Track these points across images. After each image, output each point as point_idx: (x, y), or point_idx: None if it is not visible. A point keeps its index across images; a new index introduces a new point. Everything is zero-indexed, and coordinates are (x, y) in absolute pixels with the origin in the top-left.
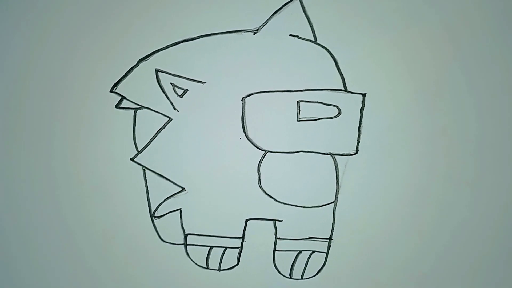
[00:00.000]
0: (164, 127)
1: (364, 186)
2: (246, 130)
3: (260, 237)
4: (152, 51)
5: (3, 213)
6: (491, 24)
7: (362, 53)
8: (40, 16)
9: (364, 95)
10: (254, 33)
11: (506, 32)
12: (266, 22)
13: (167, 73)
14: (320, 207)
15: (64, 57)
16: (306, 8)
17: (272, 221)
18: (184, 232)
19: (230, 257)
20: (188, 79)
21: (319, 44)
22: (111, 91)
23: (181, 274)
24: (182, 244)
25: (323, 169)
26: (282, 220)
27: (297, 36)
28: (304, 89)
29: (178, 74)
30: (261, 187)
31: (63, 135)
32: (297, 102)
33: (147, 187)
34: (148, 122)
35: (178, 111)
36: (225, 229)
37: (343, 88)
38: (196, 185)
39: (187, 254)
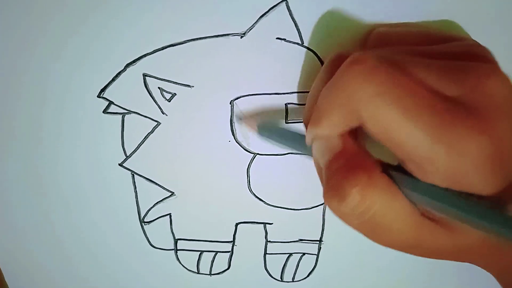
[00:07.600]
0: (152, 131)
1: None
2: (234, 133)
3: (250, 241)
4: (139, 56)
5: None
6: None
7: None
8: (24, 19)
9: None
10: (241, 37)
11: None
12: (253, 25)
13: (154, 77)
14: (310, 209)
15: (50, 62)
16: (293, 11)
17: (263, 224)
18: (174, 237)
19: (221, 261)
20: (176, 83)
21: (306, 47)
22: (98, 96)
23: (171, 280)
24: (172, 249)
25: (313, 171)
26: (272, 223)
27: (284, 39)
28: (292, 91)
29: (166, 78)
30: (250, 190)
31: (50, 141)
32: (286, 104)
33: (136, 192)
34: (136, 127)
35: (167, 115)
36: (215, 233)
37: None
38: (185, 189)
39: (178, 259)
